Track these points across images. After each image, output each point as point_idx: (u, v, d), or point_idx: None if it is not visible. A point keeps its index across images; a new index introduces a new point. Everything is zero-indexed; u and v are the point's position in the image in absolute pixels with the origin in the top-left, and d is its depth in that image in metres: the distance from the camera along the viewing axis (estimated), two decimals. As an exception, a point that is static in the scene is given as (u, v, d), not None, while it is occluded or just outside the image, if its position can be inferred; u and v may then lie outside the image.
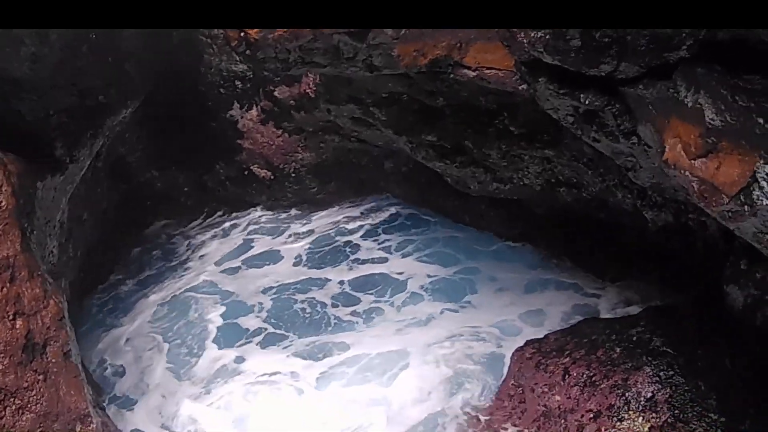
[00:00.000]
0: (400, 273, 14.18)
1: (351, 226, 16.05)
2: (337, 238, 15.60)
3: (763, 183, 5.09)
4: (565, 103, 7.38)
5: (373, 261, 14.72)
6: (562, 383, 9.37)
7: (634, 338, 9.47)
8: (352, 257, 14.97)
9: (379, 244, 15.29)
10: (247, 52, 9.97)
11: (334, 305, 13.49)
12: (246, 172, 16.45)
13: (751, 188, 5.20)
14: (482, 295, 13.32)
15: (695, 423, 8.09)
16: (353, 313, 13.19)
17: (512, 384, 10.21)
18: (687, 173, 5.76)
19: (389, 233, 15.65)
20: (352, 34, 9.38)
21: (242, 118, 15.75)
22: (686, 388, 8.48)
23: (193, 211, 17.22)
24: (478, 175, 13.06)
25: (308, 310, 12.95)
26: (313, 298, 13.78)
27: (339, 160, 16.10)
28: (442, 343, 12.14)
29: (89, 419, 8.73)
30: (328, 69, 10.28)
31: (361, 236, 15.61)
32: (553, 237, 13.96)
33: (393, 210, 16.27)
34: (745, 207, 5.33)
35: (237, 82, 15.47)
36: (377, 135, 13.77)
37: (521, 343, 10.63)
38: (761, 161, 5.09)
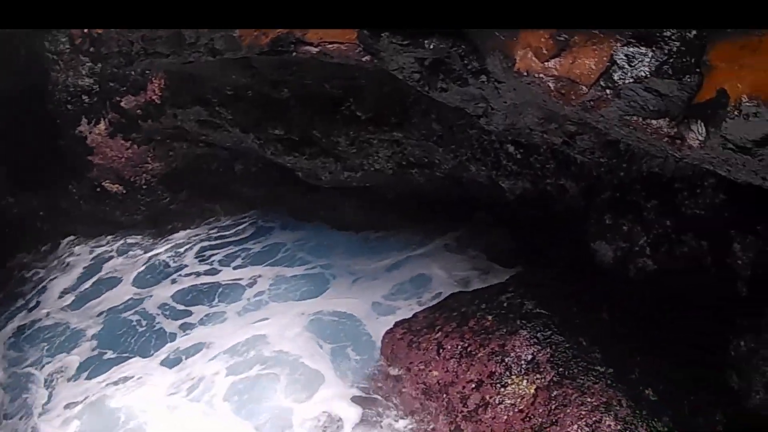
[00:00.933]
0: (239, 279, 13.81)
1: (195, 242, 15.65)
2: (175, 257, 15.19)
3: (623, 63, 5.22)
4: (409, 59, 7.18)
5: (210, 273, 14.34)
6: (437, 358, 9.14)
7: (505, 304, 9.30)
8: (187, 273, 14.54)
9: (221, 256, 14.89)
10: (91, 49, 9.72)
11: (170, 318, 13.07)
12: (98, 189, 15.70)
13: (611, 71, 5.29)
14: (337, 288, 12.91)
15: (582, 378, 7.94)
16: (183, 326, 12.74)
17: (387, 365, 9.92)
18: (541, 75, 5.77)
19: (234, 244, 15.24)
20: None
21: (91, 133, 15.04)
22: (567, 345, 8.36)
23: (48, 236, 16.47)
24: (328, 165, 12.71)
25: (142, 328, 12.70)
26: (149, 314, 13.39)
27: (189, 167, 15.55)
28: (302, 334, 11.72)
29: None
30: (171, 58, 9.84)
31: (200, 252, 15.24)
32: (409, 220, 13.65)
33: (242, 218, 15.92)
34: (607, 91, 5.42)
35: (84, 97, 14.78)
36: (225, 136, 13.34)
37: (390, 326, 10.31)
38: (617, 44, 5.21)
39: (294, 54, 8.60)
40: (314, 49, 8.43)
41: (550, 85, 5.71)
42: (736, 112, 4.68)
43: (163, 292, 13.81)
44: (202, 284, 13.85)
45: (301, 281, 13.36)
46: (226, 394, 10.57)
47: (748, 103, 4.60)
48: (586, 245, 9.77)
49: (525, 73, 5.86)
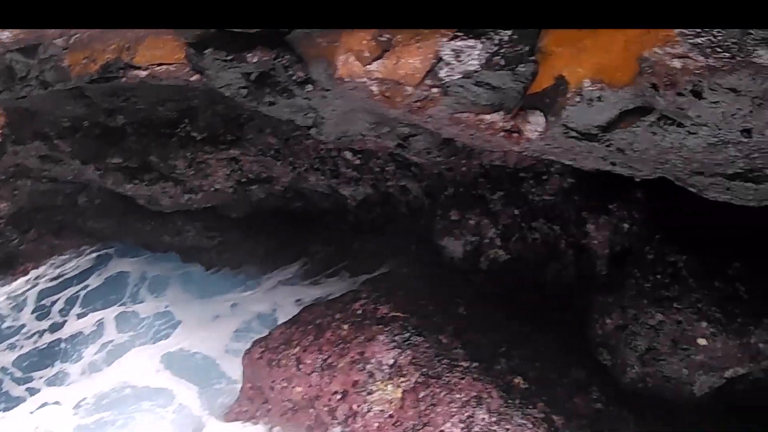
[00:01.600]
0: (82, 329, 13.59)
1: (36, 285, 15.28)
2: (13, 311, 14.78)
3: (450, 59, 5.00)
4: (235, 74, 6.92)
5: (52, 329, 13.96)
6: (299, 374, 8.94)
7: (360, 311, 9.12)
8: (26, 334, 14.09)
9: (62, 302, 14.58)
10: None
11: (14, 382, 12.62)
12: None
13: (437, 69, 5.08)
14: (188, 321, 12.99)
15: (448, 375, 7.88)
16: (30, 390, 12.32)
17: (249, 387, 9.72)
18: (364, 80, 5.63)
19: (76, 283, 15.06)
20: (23, 50, 8.67)
21: None
22: (427, 345, 8.26)
23: None
24: (168, 190, 12.41)
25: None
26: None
27: (35, 206, 15.03)
28: (156, 376, 11.73)
29: None
30: (5, 95, 9.36)
31: (40, 299, 14.94)
32: (254, 238, 13.70)
33: (86, 253, 15.68)
34: (434, 90, 5.23)
35: None
36: (66, 169, 12.91)
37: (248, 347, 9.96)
38: (443, 39, 5.00)
39: (124, 80, 8.38)
40: (143, 73, 8.22)
41: (374, 89, 5.52)
42: (577, 98, 4.59)
43: (2, 357, 13.27)
44: (43, 345, 13.51)
45: (147, 321, 13.23)
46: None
47: (590, 88, 4.52)
48: (434, 243, 9.74)
49: (347, 79, 5.65)
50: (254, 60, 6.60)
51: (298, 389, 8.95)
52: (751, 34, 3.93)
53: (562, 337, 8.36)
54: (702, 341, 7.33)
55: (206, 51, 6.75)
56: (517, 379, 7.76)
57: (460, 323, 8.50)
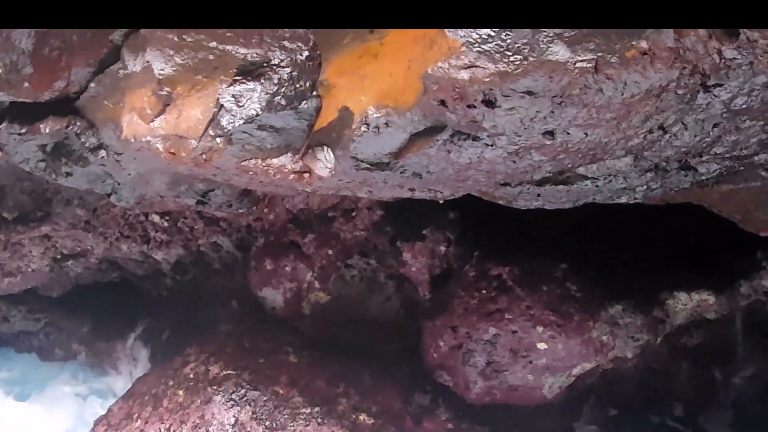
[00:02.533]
0: None
1: None
2: None
3: (231, 105, 4.87)
4: (31, 147, 6.68)
5: None
6: None
7: (191, 375, 8.84)
8: None
9: None
10: None
11: None
12: None
13: (219, 117, 4.95)
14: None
15: (292, 424, 7.72)
16: None
17: None
18: (149, 139, 5.37)
19: None
20: None
21: None
22: (265, 398, 8.06)
23: None
24: None
25: None
26: None
27: None
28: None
29: None
30: None
31: None
32: (77, 315, 13.57)
33: None
34: (218, 140, 5.06)
35: None
36: None
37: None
38: (222, 85, 4.86)
39: None
40: None
41: (159, 146, 5.31)
42: (363, 128, 4.37)
43: None
44: None
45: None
46: None
47: (376, 114, 4.34)
48: (253, 295, 9.65)
49: (132, 140, 5.55)
50: (46, 130, 6.42)
51: None
52: (543, 32, 3.69)
53: (398, 366, 8.39)
54: (542, 345, 7.39)
55: (1, 125, 6.53)
56: (362, 416, 7.71)
57: (293, 371, 8.39)
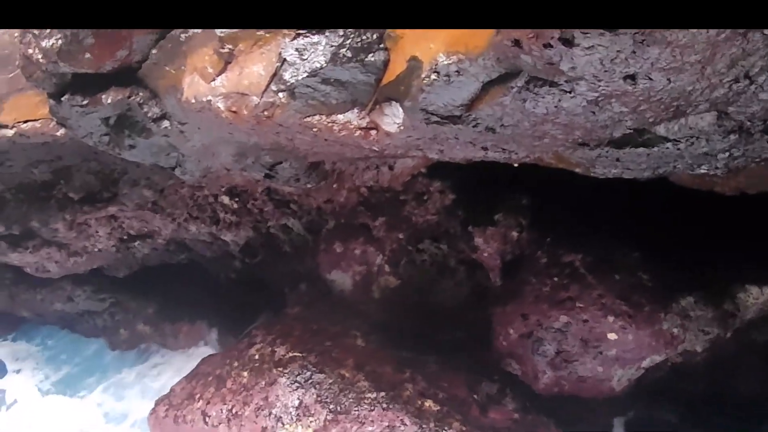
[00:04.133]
0: None
1: None
2: None
3: (294, 58, 4.58)
4: (94, 120, 6.47)
5: None
6: (206, 427, 8.42)
7: (257, 357, 8.67)
8: None
9: None
10: None
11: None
12: None
13: (281, 72, 4.66)
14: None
15: (357, 408, 7.49)
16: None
17: None
18: (210, 98, 5.15)
19: None
20: None
21: None
22: (330, 381, 7.85)
23: None
24: (53, 255, 11.85)
25: None
26: None
27: None
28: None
29: None
30: None
31: None
32: (143, 296, 13.42)
33: None
34: (280, 95, 4.77)
35: None
36: None
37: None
38: (285, 39, 4.58)
39: None
40: (10, 132, 7.82)
41: (220, 105, 5.09)
42: (434, 77, 4.04)
43: None
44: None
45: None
46: None
47: (446, 62, 3.96)
48: (322, 278, 9.40)
49: (193, 101, 5.25)
50: (108, 101, 6.23)
51: None
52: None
53: (466, 353, 8.08)
54: (612, 336, 7.09)
55: (63, 98, 6.31)
56: (428, 403, 7.41)
57: (360, 355, 8.12)
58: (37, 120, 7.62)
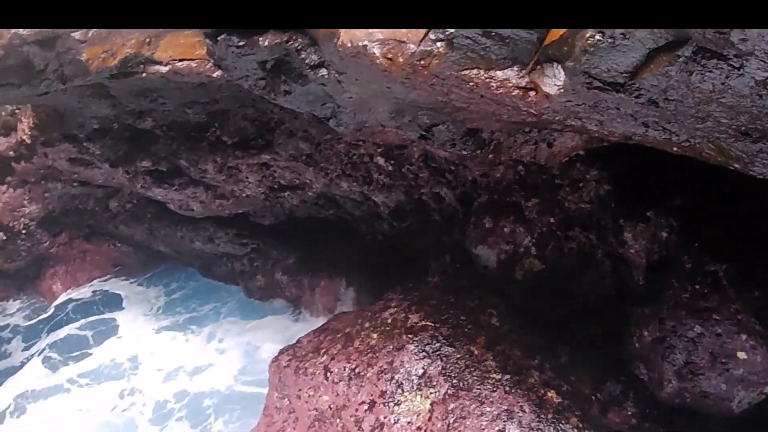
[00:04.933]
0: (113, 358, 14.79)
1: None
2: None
3: None
4: (251, 63, 6.84)
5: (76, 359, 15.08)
6: (326, 382, 8.96)
7: (389, 320, 9.11)
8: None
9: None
10: None
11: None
12: None
13: None
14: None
15: (479, 387, 7.84)
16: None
17: (277, 396, 9.77)
18: (366, 43, 5.29)
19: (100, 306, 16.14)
20: (40, 43, 8.68)
21: None
22: (458, 356, 8.22)
23: None
24: (199, 195, 12.73)
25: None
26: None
27: (66, 209, 15.51)
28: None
29: None
30: (25, 89, 9.47)
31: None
32: (285, 246, 14.10)
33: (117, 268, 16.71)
34: (438, 44, 4.97)
35: None
36: (96, 173, 13.29)
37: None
38: None
39: (144, 75, 8.32)
40: (164, 68, 8.14)
41: (376, 51, 5.23)
42: (599, 36, 4.03)
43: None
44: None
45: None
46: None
47: None
48: (468, 251, 9.60)
49: (349, 44, 5.38)
50: (266, 44, 6.46)
51: (325, 398, 8.96)
52: None
53: (597, 349, 8.24)
54: (742, 354, 7.10)
55: (220, 38, 6.61)
56: (551, 393, 7.66)
57: (492, 335, 8.42)
58: (193, 59, 7.95)
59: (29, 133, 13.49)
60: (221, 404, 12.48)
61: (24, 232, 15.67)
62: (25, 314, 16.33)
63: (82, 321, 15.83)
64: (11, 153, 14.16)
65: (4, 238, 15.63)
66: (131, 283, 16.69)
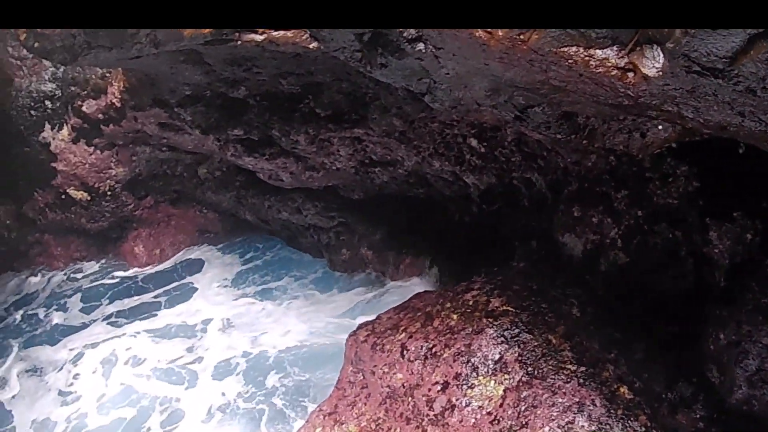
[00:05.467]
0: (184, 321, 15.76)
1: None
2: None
3: None
4: (348, 35, 7.09)
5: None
6: (402, 360, 9.24)
7: (471, 302, 9.35)
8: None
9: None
10: (35, 44, 9.72)
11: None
12: (63, 196, 16.61)
13: None
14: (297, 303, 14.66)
15: (553, 377, 8.04)
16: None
17: (351, 371, 10.11)
18: None
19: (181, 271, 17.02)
20: None
21: (54, 139, 15.84)
22: (536, 343, 8.46)
23: (17, 245, 17.77)
24: (289, 166, 13.32)
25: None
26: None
27: (153, 173, 16.34)
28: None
29: None
30: (116, 53, 9.80)
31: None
32: (373, 221, 14.66)
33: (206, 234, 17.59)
34: None
35: (47, 102, 15.53)
36: (186, 139, 13.95)
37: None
38: None
39: (239, 42, 8.60)
40: (259, 37, 8.37)
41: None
42: None
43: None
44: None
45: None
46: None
47: None
48: (554, 239, 10.01)
49: None
50: None
51: (399, 376, 9.30)
52: None
53: (672, 348, 8.48)
54: None
55: None
56: (623, 389, 7.91)
57: (572, 325, 8.68)
58: (290, 30, 8.08)
59: (119, 96, 14.34)
60: (286, 367, 13.45)
61: (109, 193, 16.54)
62: (101, 275, 17.42)
63: (159, 283, 16.91)
64: (100, 116, 14.98)
65: (89, 198, 16.56)
66: (214, 249, 17.54)
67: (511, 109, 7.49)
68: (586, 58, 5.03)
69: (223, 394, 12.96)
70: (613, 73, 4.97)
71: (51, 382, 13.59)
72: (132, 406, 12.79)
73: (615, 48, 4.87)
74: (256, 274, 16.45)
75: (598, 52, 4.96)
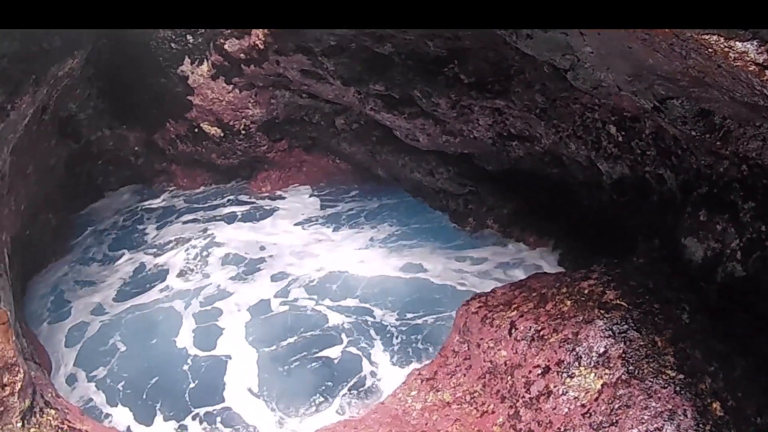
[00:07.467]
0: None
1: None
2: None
3: None
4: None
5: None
6: (508, 338, 9.68)
7: (586, 291, 9.70)
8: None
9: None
10: None
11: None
12: (196, 130, 17.53)
13: None
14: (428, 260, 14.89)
15: (651, 379, 8.28)
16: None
17: (457, 340, 10.60)
18: None
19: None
20: None
21: (193, 73, 16.56)
22: (641, 343, 8.73)
23: (142, 171, 18.66)
24: (427, 127, 13.71)
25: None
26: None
27: (290, 117, 17.02)
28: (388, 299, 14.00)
29: (16, 368, 8.98)
30: None
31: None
32: (504, 195, 15.05)
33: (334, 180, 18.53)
34: None
35: (188, 37, 16.24)
36: (327, 88, 14.40)
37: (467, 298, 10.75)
38: None
39: None
40: None
41: None
42: None
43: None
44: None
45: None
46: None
47: None
48: (676, 240, 10.25)
49: None
50: None
51: (503, 353, 9.73)
52: None
53: None
54: None
55: None
56: (716, 404, 7.81)
57: (680, 330, 8.90)
58: None
59: (263, 38, 14.94)
60: (388, 321, 13.95)
61: (243, 132, 17.42)
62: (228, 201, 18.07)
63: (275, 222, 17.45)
64: (242, 55, 15.51)
65: (222, 135, 17.50)
66: (342, 197, 18.21)
67: (651, 98, 7.68)
68: (726, 49, 5.15)
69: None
70: (750, 69, 5.04)
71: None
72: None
73: (755, 42, 4.96)
74: (380, 223, 17.36)
75: (738, 44, 5.06)
